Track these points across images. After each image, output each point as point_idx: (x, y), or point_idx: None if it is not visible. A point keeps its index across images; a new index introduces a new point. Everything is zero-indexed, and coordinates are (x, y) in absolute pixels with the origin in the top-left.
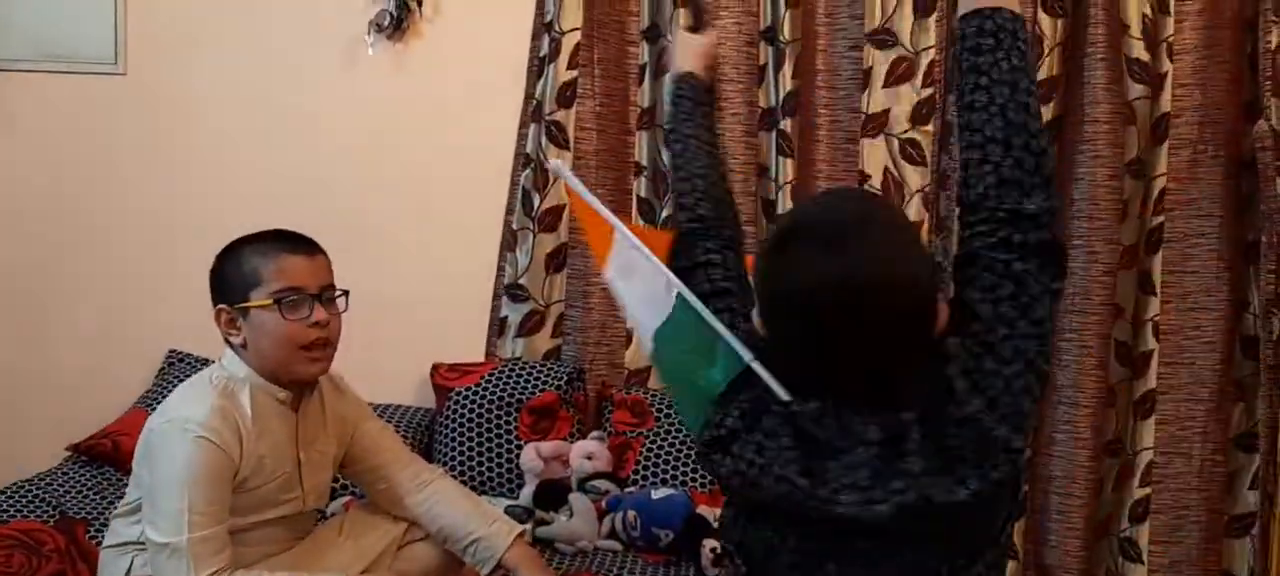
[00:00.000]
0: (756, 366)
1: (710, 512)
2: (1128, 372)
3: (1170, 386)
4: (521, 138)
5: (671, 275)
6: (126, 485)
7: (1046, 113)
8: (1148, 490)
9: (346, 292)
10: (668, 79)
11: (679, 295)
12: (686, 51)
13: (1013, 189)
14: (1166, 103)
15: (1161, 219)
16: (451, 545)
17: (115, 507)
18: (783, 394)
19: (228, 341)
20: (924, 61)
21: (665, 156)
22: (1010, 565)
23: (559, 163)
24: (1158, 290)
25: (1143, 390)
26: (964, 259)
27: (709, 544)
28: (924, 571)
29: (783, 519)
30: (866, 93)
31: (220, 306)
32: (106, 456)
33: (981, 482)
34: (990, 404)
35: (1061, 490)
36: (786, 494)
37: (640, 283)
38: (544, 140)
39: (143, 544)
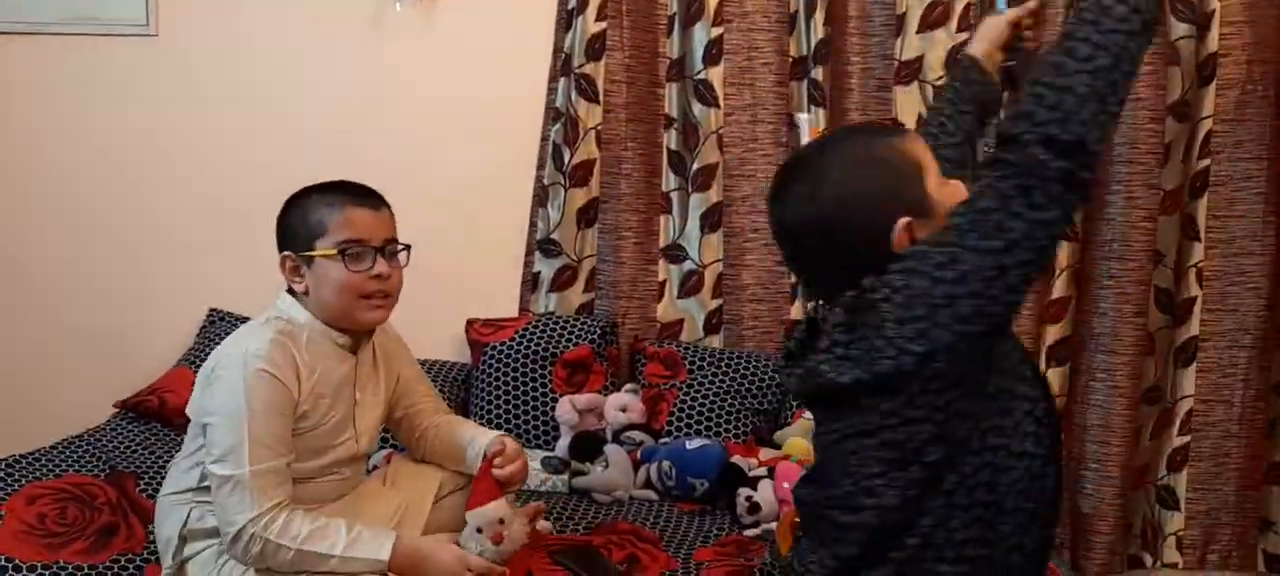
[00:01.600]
0: None
1: (744, 462)
2: (1168, 320)
3: (1213, 333)
4: (551, 91)
5: None
6: (173, 440)
7: None
8: (1187, 438)
9: (408, 247)
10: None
11: None
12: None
13: (1022, 116)
14: (1213, 41)
15: (1207, 162)
16: (458, 461)
17: (170, 460)
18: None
19: (291, 288)
20: (959, 5)
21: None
22: None
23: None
24: (1202, 235)
25: (1184, 337)
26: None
27: (744, 492)
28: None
29: None
30: (900, 39)
31: (285, 254)
32: (153, 413)
33: (862, 372)
34: (904, 303)
35: (1097, 438)
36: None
37: None
38: (573, 93)
39: (199, 491)
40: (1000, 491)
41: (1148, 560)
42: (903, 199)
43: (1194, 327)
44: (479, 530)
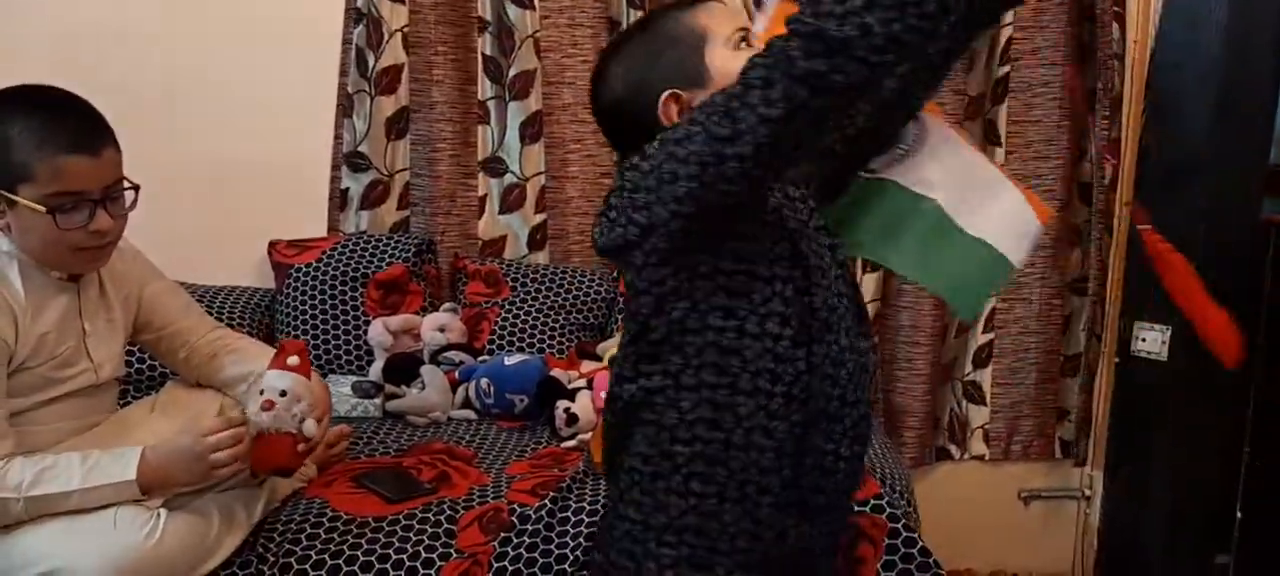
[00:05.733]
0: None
1: (564, 375)
2: None
3: None
4: None
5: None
6: None
7: None
8: (991, 335)
9: (137, 187)
10: None
11: None
12: None
13: None
14: None
15: (1007, 68)
16: (228, 387)
17: None
18: None
19: None
20: None
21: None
22: None
23: None
24: (1003, 140)
25: None
26: None
27: (562, 404)
28: None
29: None
30: None
31: None
32: None
33: (601, 238)
34: (644, 174)
35: (908, 338)
36: None
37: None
38: None
39: None
40: (733, 372)
41: (955, 452)
42: (675, 72)
43: None
44: (262, 391)
